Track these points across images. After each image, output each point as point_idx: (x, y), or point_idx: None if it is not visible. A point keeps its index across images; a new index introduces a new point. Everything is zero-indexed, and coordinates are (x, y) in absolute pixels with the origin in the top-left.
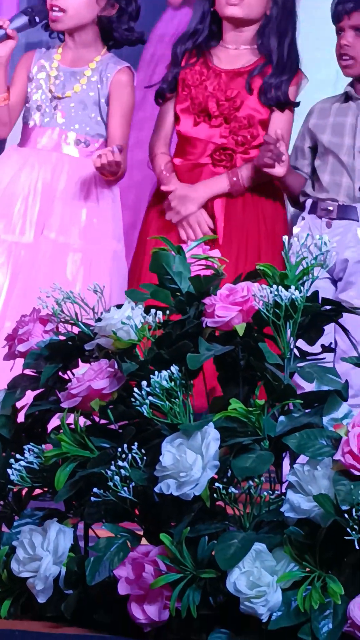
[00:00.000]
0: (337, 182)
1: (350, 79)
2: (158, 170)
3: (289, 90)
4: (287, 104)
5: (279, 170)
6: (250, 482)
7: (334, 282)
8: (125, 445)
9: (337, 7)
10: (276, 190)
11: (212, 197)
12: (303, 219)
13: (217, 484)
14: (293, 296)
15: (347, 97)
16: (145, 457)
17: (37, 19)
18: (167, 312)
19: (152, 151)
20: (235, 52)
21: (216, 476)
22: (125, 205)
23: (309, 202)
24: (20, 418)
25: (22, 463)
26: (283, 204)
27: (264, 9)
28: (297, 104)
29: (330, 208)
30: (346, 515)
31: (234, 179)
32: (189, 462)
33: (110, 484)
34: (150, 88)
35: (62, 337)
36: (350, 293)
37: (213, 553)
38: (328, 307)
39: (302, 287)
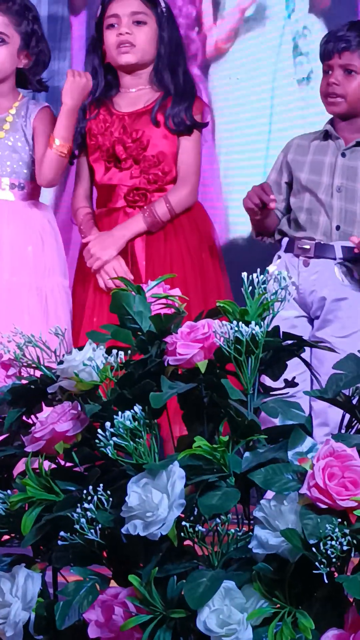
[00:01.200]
0: (314, 221)
1: (329, 117)
2: (78, 223)
3: (187, 112)
4: (195, 126)
5: (257, 217)
6: (218, 519)
7: (310, 320)
8: (90, 487)
9: (327, 44)
10: (201, 218)
11: (131, 237)
12: (279, 257)
13: (184, 523)
14: (253, 331)
15: (326, 135)
16: (111, 499)
17: None
18: (129, 352)
19: (73, 207)
20: (135, 95)
21: (183, 515)
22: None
23: (285, 240)
24: None
25: None
26: (210, 232)
27: (155, 50)
28: (205, 125)
29: (307, 247)
30: (314, 549)
31: (148, 215)
32: (155, 501)
33: (77, 527)
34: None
35: (24, 381)
36: (327, 331)
37: (182, 592)
38: (290, 342)
39: (262, 323)
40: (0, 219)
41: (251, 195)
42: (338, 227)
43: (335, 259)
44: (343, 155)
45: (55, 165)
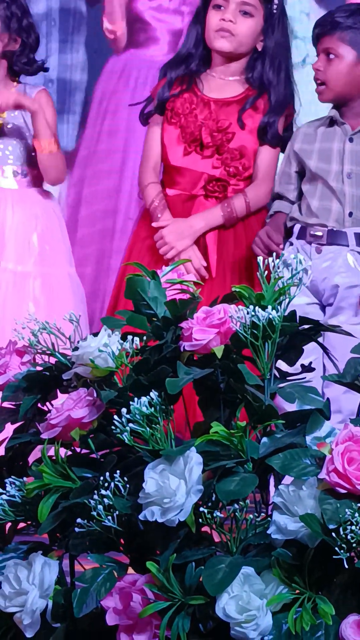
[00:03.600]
0: (326, 208)
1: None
2: (149, 202)
3: (279, 122)
4: (280, 141)
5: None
6: (236, 505)
7: (323, 307)
8: (107, 474)
9: (313, 31)
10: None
11: (207, 230)
12: (291, 244)
13: (202, 509)
14: (270, 316)
15: (332, 122)
16: (128, 485)
17: None
18: (144, 338)
19: (142, 182)
20: (222, 82)
21: (200, 501)
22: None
23: (297, 227)
24: (0, 451)
25: (4, 497)
26: None
27: (254, 43)
28: (288, 137)
29: (320, 233)
30: (334, 534)
31: (228, 210)
32: (173, 487)
33: (94, 513)
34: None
35: (39, 368)
36: (341, 318)
37: (201, 579)
38: (306, 327)
39: (279, 307)
40: (4, 207)
41: (258, 243)
42: (351, 214)
43: (348, 245)
44: (350, 140)
45: (52, 163)
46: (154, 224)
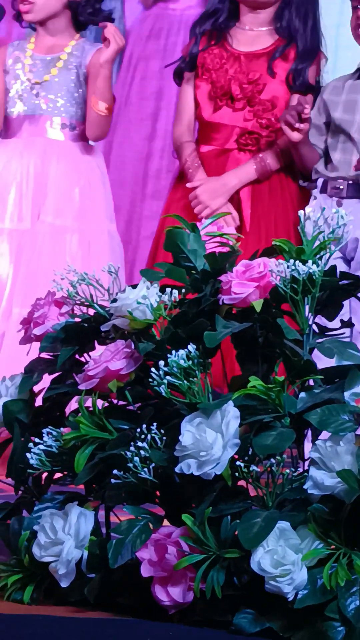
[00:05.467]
0: (347, 161)
1: None
2: (183, 161)
3: (309, 70)
4: (310, 88)
5: (295, 135)
6: (272, 459)
7: (347, 261)
8: (144, 426)
9: None
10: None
11: (241, 186)
12: (315, 198)
13: (238, 463)
14: (310, 270)
15: None
16: (164, 438)
17: (5, 11)
18: (183, 290)
19: (176, 141)
20: (253, 34)
21: (237, 455)
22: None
23: (320, 180)
24: (38, 402)
25: (41, 447)
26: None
27: None
28: (319, 87)
29: (341, 187)
30: None
31: (261, 164)
32: (209, 441)
33: (130, 465)
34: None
35: (77, 320)
36: None
37: (236, 533)
38: (346, 282)
39: (319, 262)
40: (49, 159)
41: (287, 109)
42: None
43: None
44: None
45: (98, 123)
46: (187, 185)
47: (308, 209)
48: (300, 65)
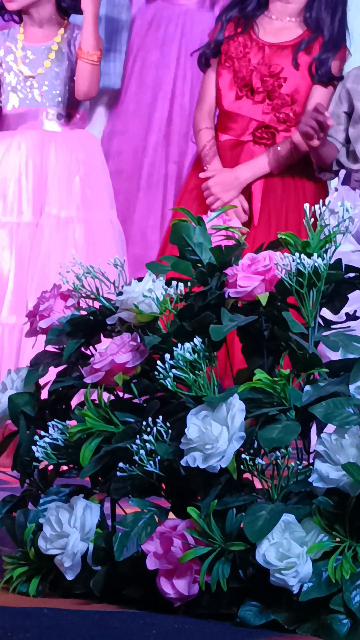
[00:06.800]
0: None
1: None
2: (201, 147)
3: (333, 62)
4: (333, 79)
5: (315, 142)
6: (277, 452)
7: None
8: (149, 419)
9: None
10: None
11: (254, 180)
12: (336, 190)
13: (243, 456)
14: (316, 264)
15: None
16: (170, 431)
17: None
18: (189, 283)
19: (197, 125)
20: (280, 24)
21: (242, 448)
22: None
23: (342, 172)
24: (44, 395)
25: (47, 440)
26: (324, 183)
27: None
28: (341, 78)
29: None
30: None
31: (275, 157)
32: (215, 434)
33: (136, 458)
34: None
35: (83, 312)
36: None
37: (241, 525)
38: (352, 275)
39: (324, 255)
40: (48, 151)
41: (305, 118)
42: None
43: None
44: None
45: (88, 75)
46: (200, 175)
47: (328, 200)
48: (325, 55)
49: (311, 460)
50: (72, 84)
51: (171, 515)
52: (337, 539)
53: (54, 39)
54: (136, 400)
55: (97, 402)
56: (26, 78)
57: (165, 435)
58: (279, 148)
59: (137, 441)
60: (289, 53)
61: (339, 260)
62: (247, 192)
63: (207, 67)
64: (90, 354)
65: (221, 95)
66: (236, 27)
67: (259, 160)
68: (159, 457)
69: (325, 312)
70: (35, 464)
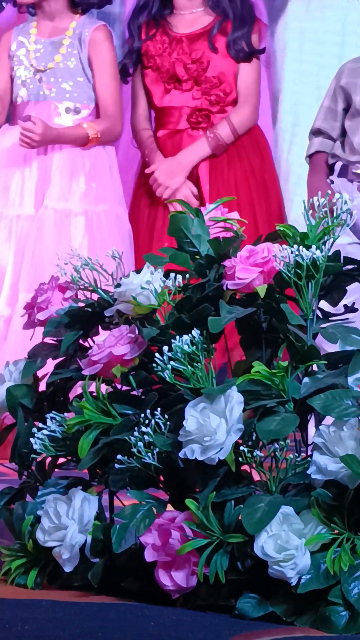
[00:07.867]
0: None
1: None
2: (142, 147)
3: (251, 39)
4: (254, 53)
5: None
6: (276, 445)
7: None
8: (148, 411)
9: None
10: (260, 140)
11: (197, 162)
12: (332, 182)
13: (242, 448)
14: (314, 256)
15: None
16: (168, 423)
17: None
18: (187, 275)
19: (134, 129)
20: (191, 17)
21: (241, 440)
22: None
23: (338, 164)
24: (42, 387)
25: (45, 432)
26: (269, 154)
27: None
28: (263, 51)
29: None
30: None
31: (212, 138)
32: (213, 426)
33: (134, 450)
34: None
35: (81, 304)
36: None
37: (240, 517)
38: (350, 267)
39: (323, 247)
40: (54, 145)
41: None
42: None
43: None
44: None
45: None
46: (146, 171)
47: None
48: (237, 33)
49: (309, 452)
50: (81, 78)
51: (169, 507)
52: (336, 531)
53: (66, 33)
54: (134, 393)
55: (95, 394)
56: (36, 72)
57: (163, 427)
58: (217, 129)
59: (136, 433)
60: (206, 39)
61: (338, 252)
62: (194, 175)
63: (129, 76)
64: (88, 346)
65: (151, 94)
66: (149, 30)
67: (198, 142)
68: (157, 449)
69: (324, 304)
70: (33, 456)
